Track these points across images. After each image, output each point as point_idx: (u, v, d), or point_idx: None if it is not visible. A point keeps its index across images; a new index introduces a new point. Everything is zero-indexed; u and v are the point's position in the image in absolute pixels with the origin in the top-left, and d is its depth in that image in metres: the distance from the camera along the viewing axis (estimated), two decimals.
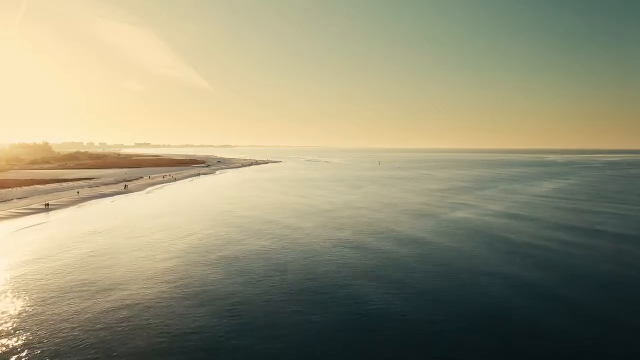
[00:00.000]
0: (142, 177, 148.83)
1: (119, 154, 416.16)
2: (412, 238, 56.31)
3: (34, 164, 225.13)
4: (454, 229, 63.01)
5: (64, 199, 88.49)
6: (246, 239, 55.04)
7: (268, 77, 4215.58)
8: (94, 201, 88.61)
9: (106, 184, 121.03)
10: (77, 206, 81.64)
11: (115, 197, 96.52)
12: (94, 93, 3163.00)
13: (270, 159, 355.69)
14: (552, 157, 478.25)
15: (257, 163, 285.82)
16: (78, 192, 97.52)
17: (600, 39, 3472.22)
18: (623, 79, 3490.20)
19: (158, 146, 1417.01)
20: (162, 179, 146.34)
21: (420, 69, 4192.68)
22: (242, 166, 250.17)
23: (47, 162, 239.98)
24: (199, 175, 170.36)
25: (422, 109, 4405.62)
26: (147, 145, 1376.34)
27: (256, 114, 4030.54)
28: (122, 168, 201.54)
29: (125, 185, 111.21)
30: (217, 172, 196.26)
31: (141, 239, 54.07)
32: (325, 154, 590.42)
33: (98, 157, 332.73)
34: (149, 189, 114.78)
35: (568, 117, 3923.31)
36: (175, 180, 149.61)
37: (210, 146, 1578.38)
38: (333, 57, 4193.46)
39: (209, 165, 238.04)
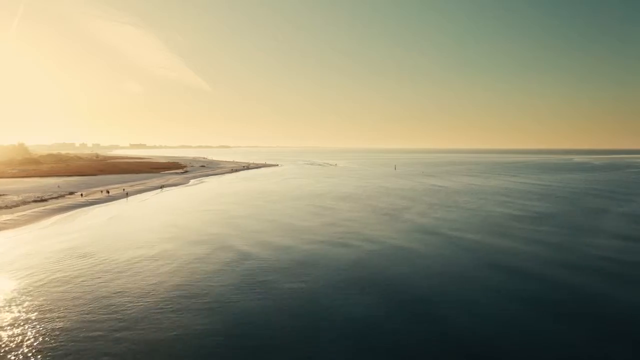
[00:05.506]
0: (72, 193, 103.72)
1: (97, 156, 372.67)
2: None
3: None
4: None
5: None
6: None
7: (268, 78, 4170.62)
8: None
9: None
10: None
11: None
12: (94, 93, 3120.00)
13: (267, 162, 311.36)
14: (578, 159, 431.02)
15: (249, 167, 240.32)
16: None
17: (601, 39, 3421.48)
18: (624, 78, 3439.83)
19: (154, 147, 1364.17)
20: (100, 196, 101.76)
21: (421, 68, 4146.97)
22: (232, 171, 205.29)
23: None
24: (162, 187, 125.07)
25: (423, 109, 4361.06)
26: (142, 146, 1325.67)
27: (257, 114, 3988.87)
28: (78, 175, 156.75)
29: None
30: (192, 180, 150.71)
31: None
32: (328, 155, 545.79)
33: (69, 159, 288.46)
34: (42, 221, 69.44)
35: (568, 116, 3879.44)
36: (127, 194, 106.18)
37: (208, 147, 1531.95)
38: (334, 57, 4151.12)
39: (186, 172, 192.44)
